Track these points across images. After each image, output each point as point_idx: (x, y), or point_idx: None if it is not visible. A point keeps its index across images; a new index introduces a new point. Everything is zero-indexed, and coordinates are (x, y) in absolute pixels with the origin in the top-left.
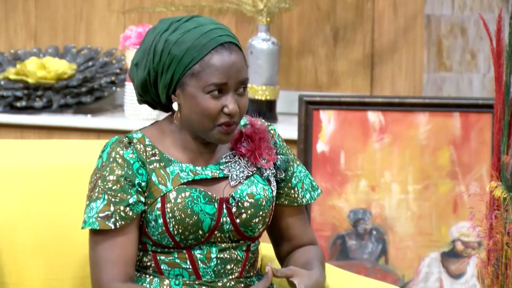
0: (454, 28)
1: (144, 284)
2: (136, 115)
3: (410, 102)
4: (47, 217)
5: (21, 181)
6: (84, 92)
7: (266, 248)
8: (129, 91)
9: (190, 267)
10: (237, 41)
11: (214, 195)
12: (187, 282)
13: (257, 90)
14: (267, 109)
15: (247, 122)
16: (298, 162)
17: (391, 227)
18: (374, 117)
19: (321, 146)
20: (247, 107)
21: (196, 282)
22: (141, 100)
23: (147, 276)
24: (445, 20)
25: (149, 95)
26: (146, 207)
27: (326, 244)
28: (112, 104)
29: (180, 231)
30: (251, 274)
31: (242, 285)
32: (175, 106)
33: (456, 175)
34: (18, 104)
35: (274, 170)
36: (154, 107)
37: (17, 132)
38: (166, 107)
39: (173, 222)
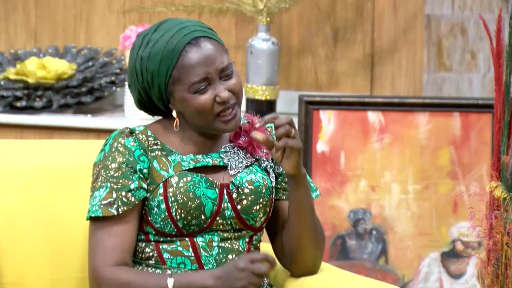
0: (454, 28)
1: None
2: (136, 115)
3: (410, 102)
4: (47, 217)
5: (21, 181)
6: (84, 92)
7: (265, 248)
8: (129, 91)
9: (193, 254)
10: (207, 32)
11: (215, 181)
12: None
13: (257, 90)
14: (267, 109)
15: (247, 120)
16: None
17: (391, 227)
18: (374, 117)
19: (321, 146)
20: (241, 85)
21: None
22: (150, 115)
23: (149, 268)
24: (445, 20)
25: (150, 109)
26: (148, 194)
27: (326, 244)
28: (112, 104)
29: (182, 215)
30: None
31: None
32: (174, 114)
33: (456, 175)
34: (18, 104)
35: (272, 164)
36: (165, 116)
37: (17, 132)
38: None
39: (176, 206)
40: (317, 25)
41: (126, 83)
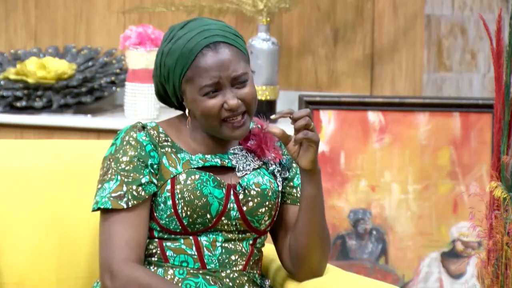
0: (454, 28)
1: None
2: (136, 115)
3: (410, 102)
4: (47, 218)
5: (21, 181)
6: (84, 92)
7: (266, 248)
8: (129, 91)
9: (196, 253)
10: (229, 38)
11: (223, 181)
12: (191, 271)
13: (257, 90)
14: (267, 109)
15: (256, 125)
16: None
17: (391, 227)
18: (374, 117)
19: (321, 146)
20: (255, 95)
21: (200, 272)
22: (170, 107)
23: (151, 266)
24: (445, 20)
25: (170, 103)
26: (156, 189)
27: None
28: (112, 104)
29: (188, 213)
30: (255, 271)
31: (246, 278)
32: (187, 112)
33: (456, 175)
34: (18, 104)
35: (280, 168)
36: (182, 110)
37: (17, 132)
38: None
39: (182, 204)
40: (317, 25)
41: (126, 83)
